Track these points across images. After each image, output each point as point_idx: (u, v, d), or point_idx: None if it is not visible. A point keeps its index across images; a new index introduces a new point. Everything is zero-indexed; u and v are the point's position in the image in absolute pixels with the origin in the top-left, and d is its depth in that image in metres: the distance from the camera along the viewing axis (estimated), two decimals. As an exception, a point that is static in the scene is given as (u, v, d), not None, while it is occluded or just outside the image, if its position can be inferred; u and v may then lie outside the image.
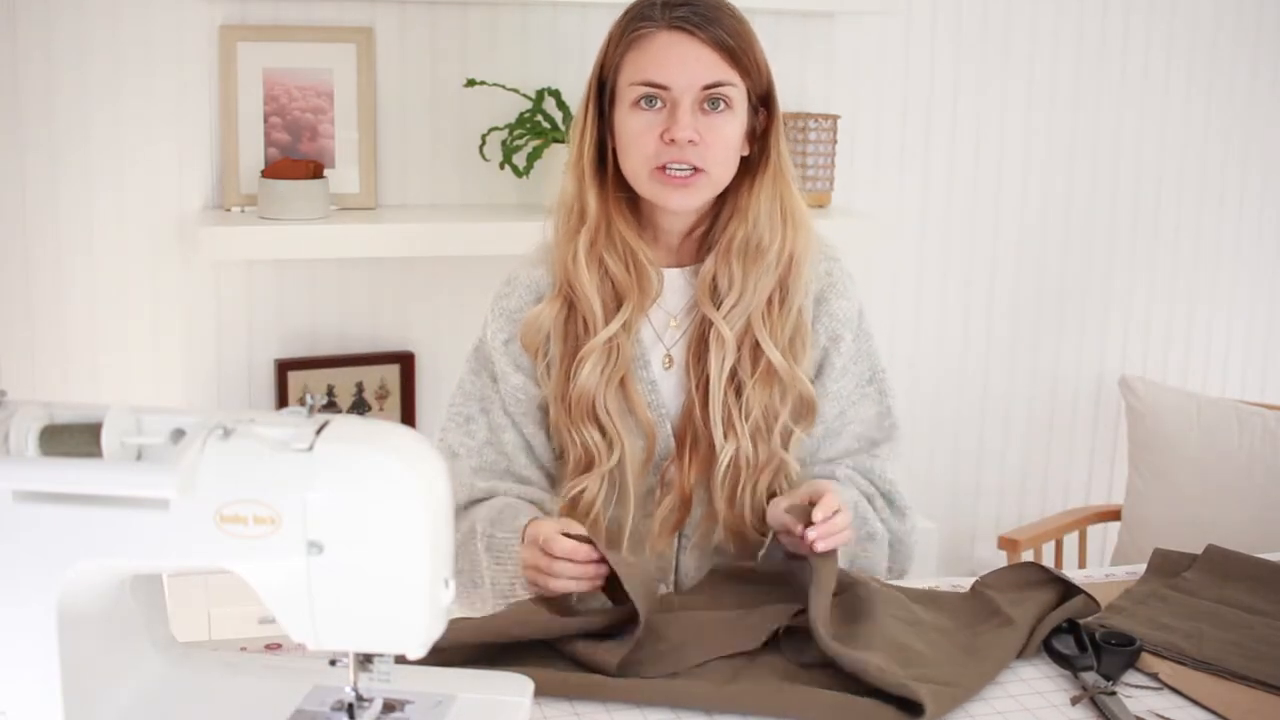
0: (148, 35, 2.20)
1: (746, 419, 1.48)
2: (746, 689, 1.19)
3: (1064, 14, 2.71)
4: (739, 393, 1.48)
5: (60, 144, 2.19)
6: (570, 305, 1.50)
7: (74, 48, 2.17)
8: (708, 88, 1.43)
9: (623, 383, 1.49)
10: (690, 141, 1.42)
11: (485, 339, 1.56)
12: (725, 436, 1.48)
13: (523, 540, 1.39)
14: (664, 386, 1.52)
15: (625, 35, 1.46)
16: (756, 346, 1.48)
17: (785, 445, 1.51)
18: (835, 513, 1.34)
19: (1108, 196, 2.83)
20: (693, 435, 1.50)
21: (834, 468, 1.54)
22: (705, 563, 1.54)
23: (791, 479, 1.52)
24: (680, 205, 1.47)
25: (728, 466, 1.48)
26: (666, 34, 1.43)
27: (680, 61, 1.42)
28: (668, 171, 1.44)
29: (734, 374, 1.49)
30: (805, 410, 1.52)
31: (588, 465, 1.49)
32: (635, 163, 1.46)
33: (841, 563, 1.39)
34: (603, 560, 1.30)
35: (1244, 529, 2.28)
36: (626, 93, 1.45)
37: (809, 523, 1.33)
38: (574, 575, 1.32)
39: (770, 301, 1.49)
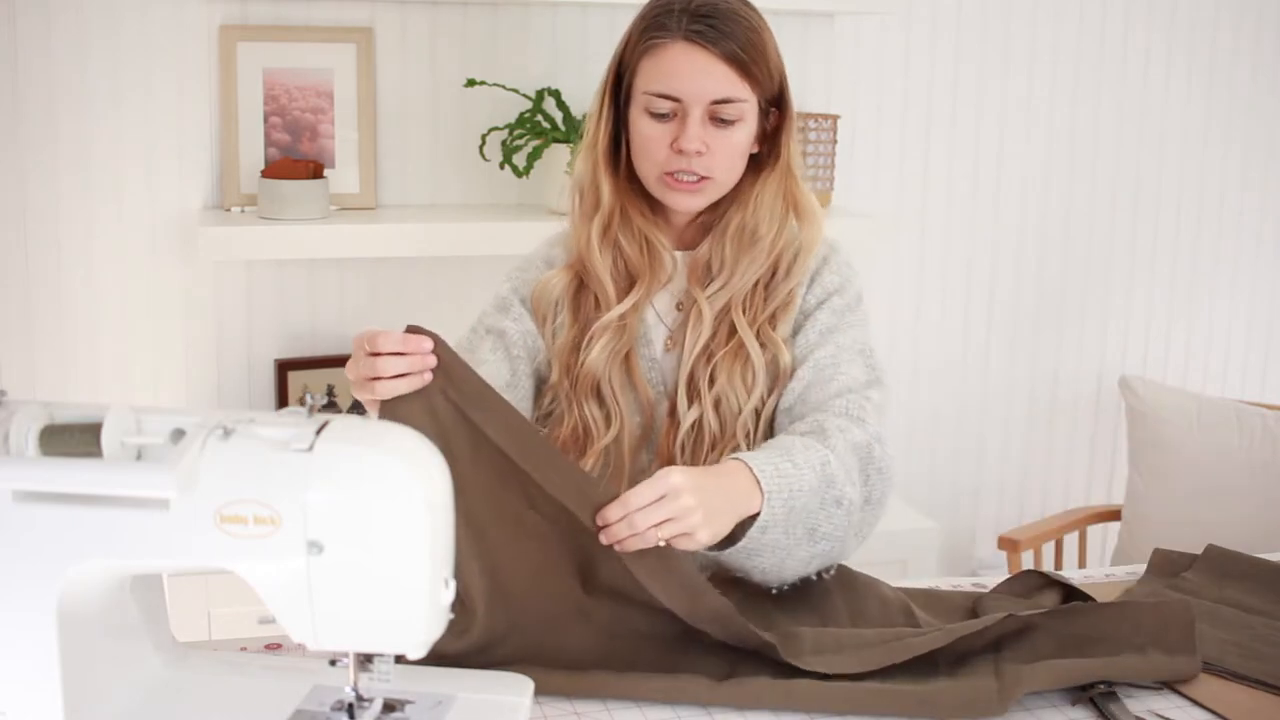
0: (148, 35, 2.20)
1: (711, 387, 1.49)
2: (744, 685, 1.19)
3: (1064, 14, 2.71)
4: (709, 362, 1.50)
5: (60, 144, 2.19)
6: (581, 279, 1.53)
7: (74, 48, 2.17)
8: (717, 102, 1.45)
9: (627, 358, 1.51)
10: (698, 152, 1.45)
11: (502, 294, 1.56)
12: (690, 403, 1.50)
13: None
14: (665, 365, 1.55)
15: (642, 40, 1.47)
16: (733, 327, 1.50)
17: (757, 424, 1.50)
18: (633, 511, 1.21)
19: (1107, 196, 2.83)
20: (672, 403, 1.53)
21: (825, 417, 1.45)
22: None
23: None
24: (686, 208, 1.51)
25: (689, 431, 1.50)
26: (681, 45, 1.44)
27: (692, 75, 1.44)
28: (676, 178, 1.47)
29: (709, 349, 1.51)
30: (783, 377, 1.51)
31: (583, 441, 1.50)
32: (645, 167, 1.49)
33: (801, 532, 1.32)
34: (435, 346, 1.19)
35: (1244, 529, 2.28)
36: (640, 98, 1.48)
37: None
38: (403, 370, 1.18)
39: (756, 285, 1.51)
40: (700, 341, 1.50)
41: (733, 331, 1.50)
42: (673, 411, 1.53)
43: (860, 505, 1.38)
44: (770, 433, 1.52)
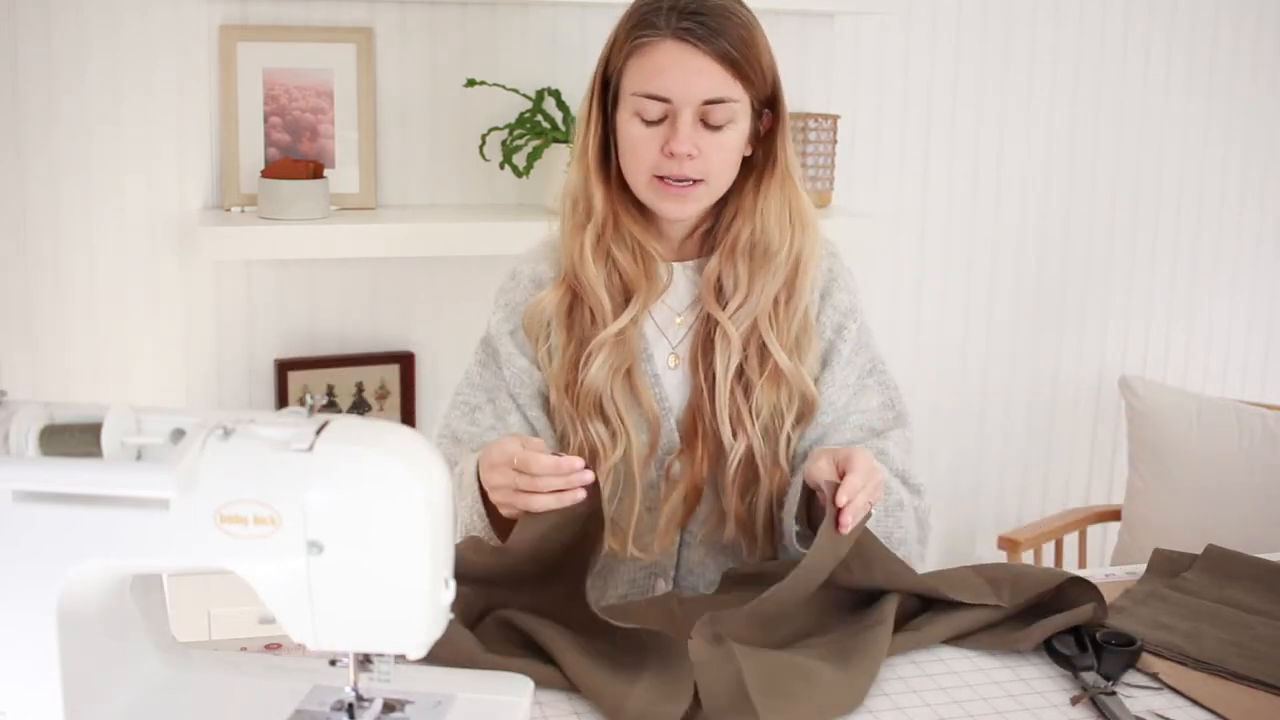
0: (148, 35, 2.20)
1: (757, 418, 1.48)
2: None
3: (1064, 14, 2.71)
4: (748, 392, 1.48)
5: (60, 143, 2.19)
6: (574, 293, 1.50)
7: (74, 48, 2.17)
8: (709, 102, 1.41)
9: (628, 374, 1.48)
10: (689, 155, 1.41)
11: (491, 329, 1.55)
12: (735, 434, 1.48)
13: (479, 470, 1.35)
14: (667, 381, 1.52)
15: (629, 40, 1.44)
16: (763, 347, 1.48)
17: (786, 448, 1.51)
18: (862, 490, 1.31)
19: (1107, 196, 2.83)
20: (701, 430, 1.50)
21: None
22: (709, 558, 1.54)
23: (787, 484, 1.52)
24: (676, 214, 1.47)
25: (739, 464, 1.48)
26: (671, 44, 1.40)
27: (682, 74, 1.40)
28: (666, 182, 1.43)
29: (741, 373, 1.48)
30: (806, 410, 1.52)
31: (590, 461, 1.47)
32: (634, 170, 1.46)
33: (875, 531, 1.37)
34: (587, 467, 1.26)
35: (1244, 529, 2.28)
36: (628, 100, 1.44)
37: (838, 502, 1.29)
38: (558, 489, 1.25)
39: (777, 302, 1.49)
40: (731, 366, 1.47)
41: (762, 354, 1.48)
42: (694, 434, 1.50)
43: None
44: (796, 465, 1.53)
